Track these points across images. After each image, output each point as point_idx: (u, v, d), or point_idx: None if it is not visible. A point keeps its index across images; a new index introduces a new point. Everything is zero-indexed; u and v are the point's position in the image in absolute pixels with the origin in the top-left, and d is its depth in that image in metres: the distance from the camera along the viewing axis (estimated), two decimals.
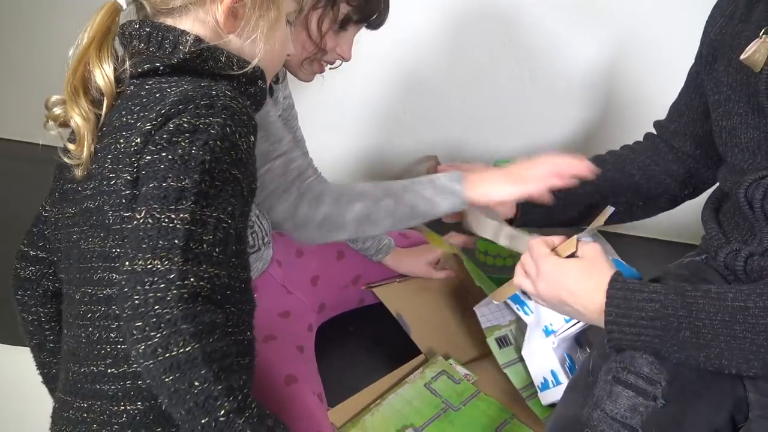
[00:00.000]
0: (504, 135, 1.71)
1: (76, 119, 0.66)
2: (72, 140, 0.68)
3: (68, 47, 0.68)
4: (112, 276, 0.63)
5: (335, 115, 1.35)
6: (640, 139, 1.14)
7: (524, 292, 0.98)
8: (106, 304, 0.64)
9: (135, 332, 0.56)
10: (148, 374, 0.56)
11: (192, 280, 0.57)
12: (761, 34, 0.80)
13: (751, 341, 0.72)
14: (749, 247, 0.84)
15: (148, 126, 0.61)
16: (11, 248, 0.81)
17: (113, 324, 0.64)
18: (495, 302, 1.10)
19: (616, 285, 0.78)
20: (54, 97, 0.69)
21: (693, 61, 0.99)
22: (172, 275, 0.56)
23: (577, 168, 0.94)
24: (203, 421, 0.55)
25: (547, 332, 0.99)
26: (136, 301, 0.56)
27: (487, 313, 1.13)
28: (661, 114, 1.10)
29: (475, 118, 1.73)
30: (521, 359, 1.06)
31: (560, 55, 1.63)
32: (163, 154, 0.59)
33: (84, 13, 0.70)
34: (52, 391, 0.82)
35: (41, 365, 0.82)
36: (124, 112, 0.66)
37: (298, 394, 0.98)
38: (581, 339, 1.04)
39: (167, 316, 0.55)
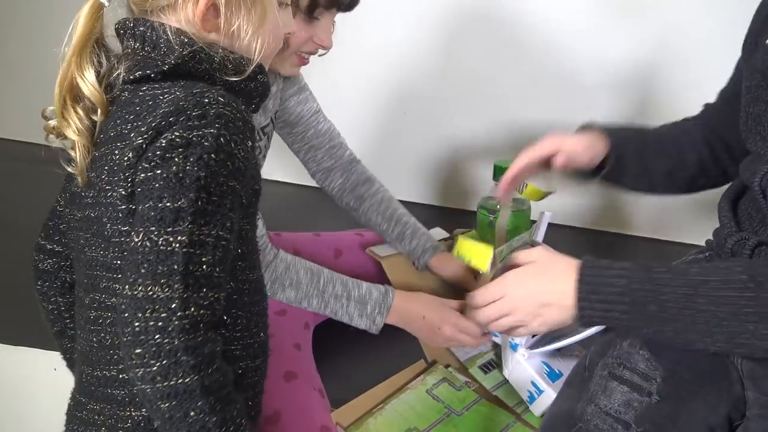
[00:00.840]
0: (504, 135, 1.71)
1: (69, 133, 0.66)
2: (72, 147, 0.68)
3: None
4: (115, 287, 0.63)
5: (335, 115, 1.35)
6: None
7: None
8: (114, 311, 0.63)
9: (134, 358, 0.56)
10: (144, 397, 0.57)
11: (193, 309, 0.57)
12: None
13: (713, 314, 0.72)
14: (758, 236, 0.84)
15: (140, 140, 0.60)
16: (11, 248, 0.81)
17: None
18: None
19: (587, 263, 0.80)
20: (49, 109, 0.68)
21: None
22: (174, 304, 0.56)
23: (474, 342, 1.06)
24: None
25: (514, 347, 1.01)
26: (137, 328, 0.56)
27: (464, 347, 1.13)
28: (666, 117, 1.10)
29: (475, 119, 1.73)
30: (507, 380, 1.07)
31: (562, 55, 1.63)
32: (158, 171, 0.58)
33: None
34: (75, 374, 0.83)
35: (63, 350, 0.84)
36: (119, 121, 0.65)
37: (299, 389, 0.99)
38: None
39: (167, 347, 0.56)
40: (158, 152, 0.58)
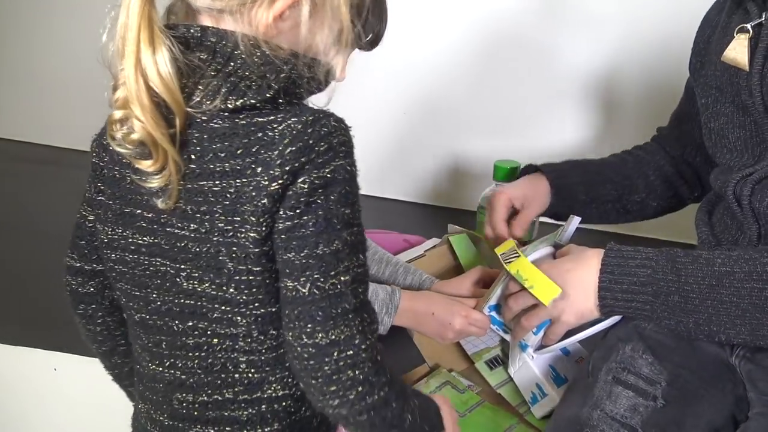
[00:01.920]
0: (505, 136, 1.71)
1: (163, 142, 0.59)
2: (143, 156, 0.61)
3: (68, 47, 0.63)
4: (237, 319, 0.63)
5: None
6: (641, 140, 1.16)
7: (499, 312, 1.02)
8: (230, 339, 0.64)
9: (328, 394, 0.60)
10: (339, 417, 0.62)
11: (371, 338, 0.61)
12: (735, 33, 0.85)
13: (737, 305, 0.73)
14: (739, 247, 0.85)
15: (275, 186, 0.58)
16: (11, 248, 0.80)
17: (242, 357, 0.65)
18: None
19: (610, 253, 0.81)
20: (117, 114, 0.61)
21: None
22: (357, 340, 0.60)
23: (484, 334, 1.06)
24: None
25: (523, 347, 1.01)
26: (328, 371, 0.59)
27: (472, 339, 1.12)
28: (662, 116, 1.11)
29: (474, 119, 1.73)
30: (512, 378, 1.07)
31: (562, 56, 1.63)
32: (305, 218, 0.58)
33: (84, 13, 0.67)
34: (125, 387, 0.84)
35: (112, 367, 0.82)
36: (222, 154, 0.60)
37: None
38: (566, 348, 1.04)
39: (361, 377, 0.60)
40: (302, 198, 0.58)
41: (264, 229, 0.59)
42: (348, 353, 0.59)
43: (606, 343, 0.90)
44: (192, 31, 0.61)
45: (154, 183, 0.62)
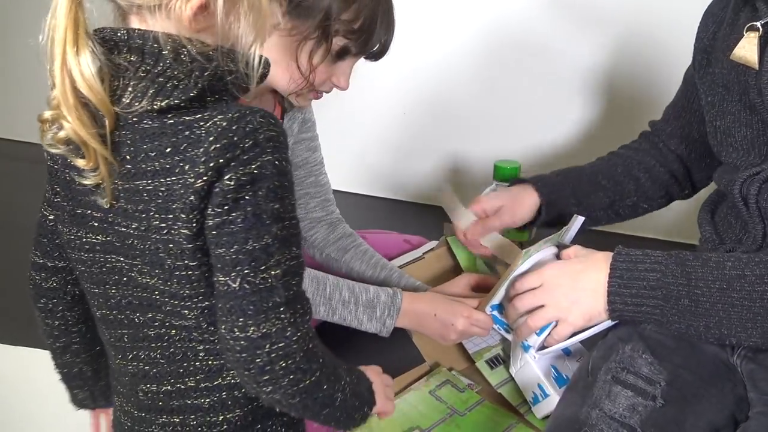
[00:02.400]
0: (505, 136, 1.71)
1: (93, 142, 0.60)
2: (79, 154, 0.63)
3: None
4: (184, 312, 0.64)
5: (334, 115, 1.35)
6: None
7: (502, 312, 1.02)
8: (185, 330, 0.65)
9: (262, 383, 0.61)
10: (273, 401, 0.63)
11: (302, 327, 0.61)
12: (745, 31, 0.83)
13: (748, 308, 0.73)
14: (743, 246, 0.85)
15: (200, 183, 0.58)
16: (11, 248, 0.80)
17: (199, 346, 0.66)
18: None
19: (619, 257, 0.80)
20: (47, 113, 0.63)
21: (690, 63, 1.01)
22: (288, 332, 0.60)
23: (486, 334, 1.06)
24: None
25: (526, 347, 1.01)
26: (260, 363, 0.60)
27: (473, 338, 1.12)
28: (661, 113, 1.10)
29: (475, 120, 1.73)
30: (513, 377, 1.07)
31: (562, 57, 1.63)
32: (233, 215, 0.59)
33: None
34: (71, 389, 0.84)
35: (63, 365, 0.82)
36: (152, 154, 0.61)
37: None
38: (568, 348, 1.04)
39: (293, 365, 0.61)
40: (229, 195, 0.58)
41: (195, 225, 0.60)
42: (279, 345, 0.60)
43: (606, 343, 0.90)
44: (119, 34, 0.61)
45: (90, 181, 0.63)
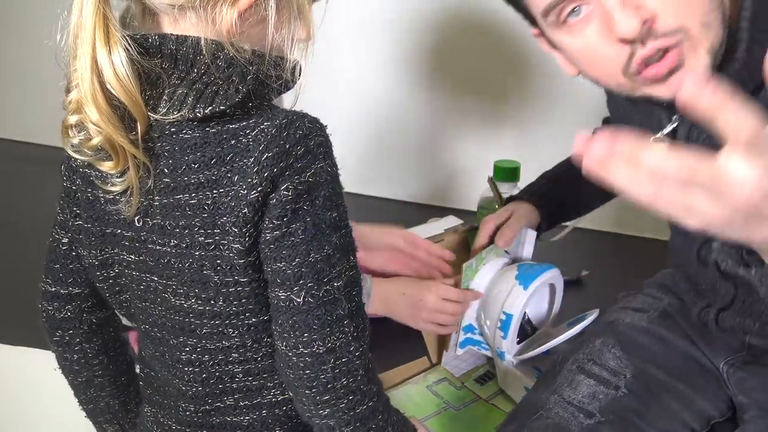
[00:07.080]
0: (505, 136, 1.71)
1: (130, 147, 0.58)
2: (104, 158, 0.60)
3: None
4: (228, 331, 0.62)
5: (332, 113, 1.35)
6: None
7: (475, 332, 1.06)
8: (222, 353, 0.63)
9: (321, 403, 0.59)
10: (326, 428, 0.61)
11: (364, 345, 0.60)
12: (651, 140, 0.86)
13: None
14: (717, 303, 0.86)
15: (254, 194, 0.56)
16: (11, 248, 0.80)
17: (237, 367, 0.64)
18: (457, 354, 1.13)
19: None
20: (71, 118, 0.60)
21: None
22: (352, 346, 0.59)
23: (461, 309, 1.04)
24: None
25: (501, 355, 1.02)
26: (323, 380, 0.58)
27: (458, 363, 1.14)
28: None
29: (474, 119, 1.73)
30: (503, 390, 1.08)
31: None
32: (293, 226, 0.57)
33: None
34: (100, 423, 0.80)
35: (87, 401, 0.78)
36: (195, 166, 0.58)
37: None
38: (548, 351, 1.06)
39: (353, 385, 0.59)
40: (288, 206, 0.56)
41: (248, 239, 0.57)
42: (343, 360, 0.58)
43: (579, 338, 0.92)
44: (151, 39, 0.58)
45: (117, 186, 0.60)
